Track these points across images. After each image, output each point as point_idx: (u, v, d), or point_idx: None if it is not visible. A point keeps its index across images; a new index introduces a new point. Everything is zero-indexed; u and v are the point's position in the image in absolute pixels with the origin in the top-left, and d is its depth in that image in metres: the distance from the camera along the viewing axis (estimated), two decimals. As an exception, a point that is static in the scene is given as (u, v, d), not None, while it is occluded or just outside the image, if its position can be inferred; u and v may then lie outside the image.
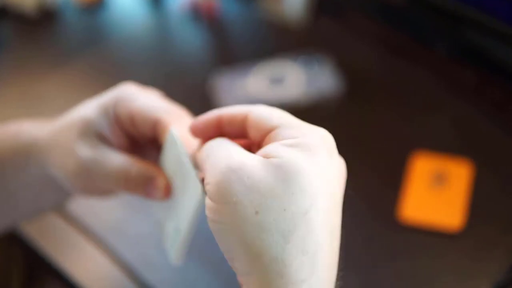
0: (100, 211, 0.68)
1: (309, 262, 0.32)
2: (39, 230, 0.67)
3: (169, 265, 0.63)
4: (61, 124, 0.45)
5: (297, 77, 0.81)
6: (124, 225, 0.67)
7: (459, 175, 0.68)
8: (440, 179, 0.68)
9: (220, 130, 0.38)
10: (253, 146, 0.38)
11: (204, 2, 0.92)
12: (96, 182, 0.44)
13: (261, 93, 0.79)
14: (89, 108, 0.45)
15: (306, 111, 0.78)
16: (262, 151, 0.34)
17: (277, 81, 0.81)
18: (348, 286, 0.59)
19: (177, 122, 0.44)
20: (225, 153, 0.34)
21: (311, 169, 0.33)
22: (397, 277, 0.61)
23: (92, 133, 0.44)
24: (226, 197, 0.32)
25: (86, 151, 0.43)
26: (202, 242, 0.64)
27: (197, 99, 0.80)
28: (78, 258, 0.65)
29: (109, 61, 0.87)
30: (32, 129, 0.49)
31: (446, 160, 0.69)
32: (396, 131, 0.75)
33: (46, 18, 0.94)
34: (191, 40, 0.92)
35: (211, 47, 0.92)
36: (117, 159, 0.43)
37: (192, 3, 0.93)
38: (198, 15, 0.93)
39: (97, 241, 0.66)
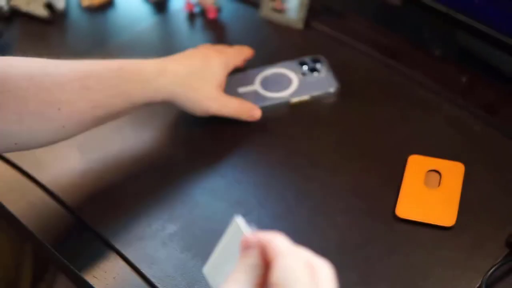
0: (107, 208, 0.70)
1: None
2: (48, 226, 0.69)
3: (171, 263, 0.65)
4: (193, 74, 0.72)
5: (296, 79, 0.82)
6: (131, 223, 0.68)
7: (453, 174, 0.69)
8: (434, 178, 0.69)
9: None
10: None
11: (206, 5, 0.93)
12: (216, 115, 0.74)
13: (260, 95, 0.80)
14: (215, 67, 0.74)
15: (304, 112, 0.79)
16: None
17: (276, 83, 0.82)
18: (345, 281, 0.61)
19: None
20: None
21: None
22: (393, 271, 0.62)
23: (218, 83, 0.74)
24: None
25: (220, 96, 0.74)
26: (203, 240, 0.66)
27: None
28: (88, 256, 0.66)
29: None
30: (155, 75, 0.69)
31: (440, 160, 0.70)
32: (392, 132, 0.76)
33: (54, 20, 0.95)
34: (193, 42, 0.92)
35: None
36: (234, 100, 0.75)
37: (194, 6, 0.94)
38: (200, 18, 0.94)
39: (105, 238, 0.67)
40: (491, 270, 0.60)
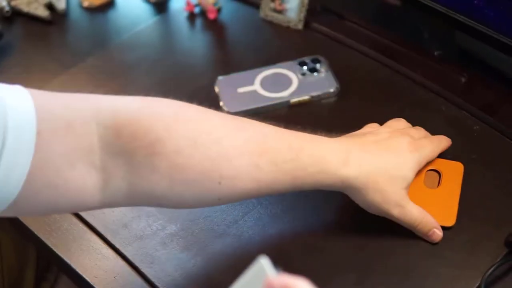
0: (108, 210, 0.70)
1: None
2: (50, 227, 0.69)
3: (171, 263, 0.65)
4: (383, 174, 0.60)
5: (296, 79, 0.82)
6: (131, 224, 0.69)
7: (452, 174, 0.69)
8: (434, 178, 0.68)
9: None
10: None
11: (206, 6, 0.93)
12: (394, 220, 0.63)
13: (261, 95, 0.81)
14: (407, 168, 0.62)
15: (305, 113, 0.80)
16: None
17: (276, 83, 0.82)
18: (345, 281, 0.62)
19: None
20: None
21: None
22: (393, 271, 0.63)
23: (406, 187, 0.62)
24: None
25: (405, 203, 0.62)
26: (203, 240, 0.66)
27: (199, 101, 0.81)
28: (87, 255, 0.66)
29: (115, 63, 0.89)
30: (339, 165, 0.59)
31: (440, 160, 0.70)
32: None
33: (55, 21, 0.95)
34: (194, 43, 0.93)
35: (213, 50, 0.94)
36: (417, 210, 0.63)
37: (195, 7, 0.95)
38: (200, 18, 0.94)
39: (106, 239, 0.67)
40: (490, 270, 0.60)
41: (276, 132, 0.58)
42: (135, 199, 0.54)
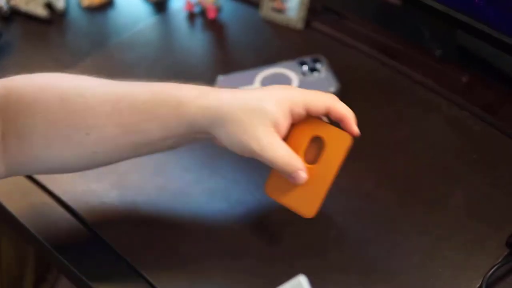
0: (108, 212, 0.70)
1: None
2: (50, 228, 0.69)
3: (174, 267, 0.65)
4: (241, 105, 0.58)
5: (296, 79, 0.82)
6: (130, 224, 0.69)
7: (336, 149, 0.59)
8: (315, 151, 0.60)
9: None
10: None
11: (206, 5, 0.93)
12: (257, 158, 0.58)
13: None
14: (269, 101, 0.58)
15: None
16: None
17: (277, 83, 0.81)
18: (345, 281, 0.61)
19: (338, 102, 0.60)
20: None
21: None
22: (393, 271, 0.63)
23: (269, 123, 0.57)
24: None
25: (265, 137, 0.57)
26: (205, 238, 0.66)
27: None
28: (87, 255, 0.66)
29: (115, 63, 0.89)
30: (195, 96, 0.59)
31: (330, 127, 0.60)
32: (391, 132, 0.76)
33: (54, 20, 0.95)
34: (194, 43, 0.93)
35: (213, 49, 0.94)
36: (283, 150, 0.58)
37: (194, 6, 0.95)
38: (200, 18, 0.94)
39: (106, 240, 0.67)
40: (491, 271, 0.60)
41: (136, 83, 0.61)
42: (25, 166, 0.59)
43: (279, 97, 0.58)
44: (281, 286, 0.44)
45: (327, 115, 0.59)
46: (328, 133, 0.59)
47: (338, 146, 0.59)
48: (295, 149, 0.59)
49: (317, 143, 0.59)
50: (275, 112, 0.57)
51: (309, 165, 0.59)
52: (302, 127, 0.59)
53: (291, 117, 0.58)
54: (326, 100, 0.59)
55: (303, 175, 0.59)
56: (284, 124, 0.58)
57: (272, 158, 0.58)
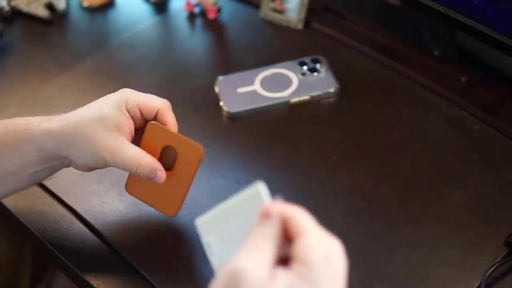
0: (106, 209, 0.70)
1: None
2: (48, 225, 0.69)
3: (172, 264, 0.65)
4: (82, 119, 0.59)
5: (296, 79, 0.82)
6: (130, 223, 0.69)
7: (189, 158, 0.60)
8: (171, 157, 0.61)
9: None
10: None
11: (206, 6, 0.93)
12: (112, 165, 0.59)
13: (261, 95, 0.81)
14: (106, 107, 0.59)
15: (305, 113, 0.80)
16: (276, 271, 0.39)
17: (276, 83, 0.82)
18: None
19: (169, 110, 0.62)
20: (241, 255, 0.40)
21: None
22: (392, 271, 0.63)
23: (113, 127, 0.58)
24: None
25: (112, 142, 0.58)
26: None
27: (199, 101, 0.82)
28: (85, 254, 0.67)
29: (115, 63, 0.89)
30: (40, 122, 0.60)
31: (181, 137, 0.61)
32: (391, 132, 0.76)
33: (55, 20, 0.95)
34: (194, 43, 0.93)
35: (213, 50, 0.94)
36: (133, 150, 0.59)
37: (195, 7, 0.95)
38: (200, 18, 0.94)
39: (104, 238, 0.67)
40: (490, 270, 0.60)
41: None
42: None
43: (115, 100, 0.60)
44: (238, 194, 0.45)
45: (156, 119, 0.61)
46: (180, 144, 0.60)
47: (190, 157, 0.60)
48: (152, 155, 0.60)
49: (173, 151, 0.61)
50: (114, 115, 0.58)
51: (167, 171, 0.61)
52: (154, 136, 0.61)
53: (131, 116, 0.60)
54: (158, 105, 0.61)
55: (160, 174, 0.60)
56: (127, 124, 0.59)
57: (124, 161, 0.58)
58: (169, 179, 0.61)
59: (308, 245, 0.40)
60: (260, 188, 0.44)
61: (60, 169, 0.63)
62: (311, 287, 0.39)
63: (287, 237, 0.41)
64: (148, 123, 0.61)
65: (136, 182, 0.63)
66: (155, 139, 0.61)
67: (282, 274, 0.39)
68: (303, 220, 0.42)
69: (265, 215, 0.42)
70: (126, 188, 0.64)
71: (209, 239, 0.45)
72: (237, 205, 0.44)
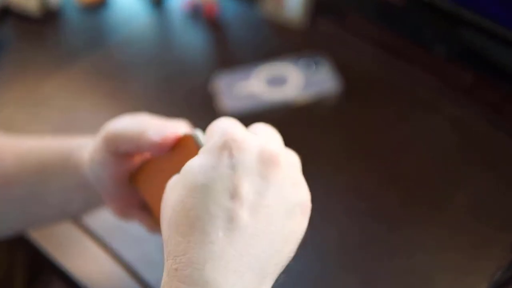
0: (101, 211, 0.69)
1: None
2: (42, 231, 0.68)
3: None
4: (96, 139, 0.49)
5: (297, 78, 0.81)
6: (125, 224, 0.67)
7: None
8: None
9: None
10: None
11: (205, 3, 0.93)
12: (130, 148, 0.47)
13: (261, 94, 0.80)
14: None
15: (305, 112, 0.79)
16: None
17: (277, 82, 0.81)
18: (346, 283, 0.61)
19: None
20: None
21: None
22: (394, 274, 0.62)
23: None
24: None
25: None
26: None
27: (197, 100, 0.81)
28: (80, 258, 0.65)
29: (112, 61, 0.88)
30: (78, 139, 0.53)
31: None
32: (393, 132, 0.75)
33: (48, 18, 0.94)
34: (192, 41, 0.92)
35: (212, 48, 0.93)
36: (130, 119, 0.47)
37: (193, 4, 0.94)
38: (198, 16, 0.93)
39: (99, 241, 0.66)
40: (497, 275, 0.59)
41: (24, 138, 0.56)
42: None
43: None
44: None
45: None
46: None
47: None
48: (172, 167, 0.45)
49: None
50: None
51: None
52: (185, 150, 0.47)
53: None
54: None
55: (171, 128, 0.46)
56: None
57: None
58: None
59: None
60: (198, 133, 0.43)
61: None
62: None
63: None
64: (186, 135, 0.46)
65: (145, 174, 0.50)
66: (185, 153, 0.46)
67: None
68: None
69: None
70: (132, 179, 0.52)
71: None
72: None
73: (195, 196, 0.35)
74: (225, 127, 0.38)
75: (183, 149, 0.47)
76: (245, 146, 0.37)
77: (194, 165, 0.37)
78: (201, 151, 0.38)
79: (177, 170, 0.43)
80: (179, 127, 0.46)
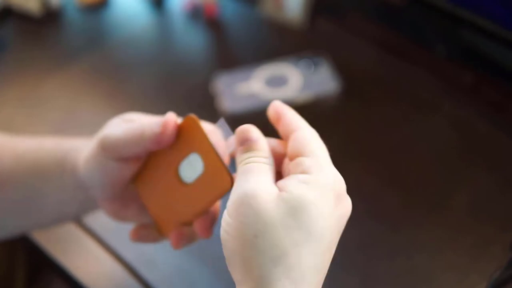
0: (101, 211, 0.69)
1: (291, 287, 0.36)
2: (42, 230, 0.68)
3: (170, 264, 0.64)
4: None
5: (297, 78, 0.81)
6: (125, 224, 0.67)
7: (210, 185, 0.44)
8: (196, 166, 0.46)
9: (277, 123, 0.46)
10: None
11: (205, 3, 0.93)
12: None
13: (261, 94, 0.80)
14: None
15: (305, 111, 0.78)
16: (280, 183, 0.39)
17: (277, 81, 0.81)
18: (346, 285, 0.61)
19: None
20: (249, 180, 0.39)
21: (313, 210, 0.38)
22: (395, 274, 0.62)
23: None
24: (237, 215, 0.37)
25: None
26: (204, 241, 0.65)
27: (198, 100, 0.81)
28: (81, 257, 0.65)
29: (112, 62, 0.88)
30: (74, 140, 0.53)
31: (211, 157, 0.44)
32: (394, 132, 0.75)
33: (49, 18, 0.94)
34: (192, 41, 0.92)
35: (212, 48, 0.93)
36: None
37: (193, 4, 0.94)
38: (199, 16, 0.93)
39: (99, 241, 0.66)
40: (496, 274, 0.58)
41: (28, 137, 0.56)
42: None
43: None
44: None
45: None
46: (209, 160, 0.45)
47: (215, 183, 0.44)
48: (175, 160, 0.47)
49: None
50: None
51: (183, 184, 0.47)
52: (187, 139, 0.46)
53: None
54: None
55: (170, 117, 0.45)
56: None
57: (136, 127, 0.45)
58: (182, 192, 0.47)
59: (305, 136, 0.43)
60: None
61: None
62: (318, 171, 0.40)
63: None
64: (187, 116, 0.45)
65: (149, 181, 0.49)
66: (186, 142, 0.46)
67: (287, 180, 0.38)
68: (293, 118, 0.45)
69: (244, 140, 0.42)
70: (135, 181, 0.50)
71: None
72: None
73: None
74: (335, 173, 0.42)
75: (185, 134, 0.46)
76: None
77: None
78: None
79: (181, 157, 0.46)
80: (170, 116, 0.46)
